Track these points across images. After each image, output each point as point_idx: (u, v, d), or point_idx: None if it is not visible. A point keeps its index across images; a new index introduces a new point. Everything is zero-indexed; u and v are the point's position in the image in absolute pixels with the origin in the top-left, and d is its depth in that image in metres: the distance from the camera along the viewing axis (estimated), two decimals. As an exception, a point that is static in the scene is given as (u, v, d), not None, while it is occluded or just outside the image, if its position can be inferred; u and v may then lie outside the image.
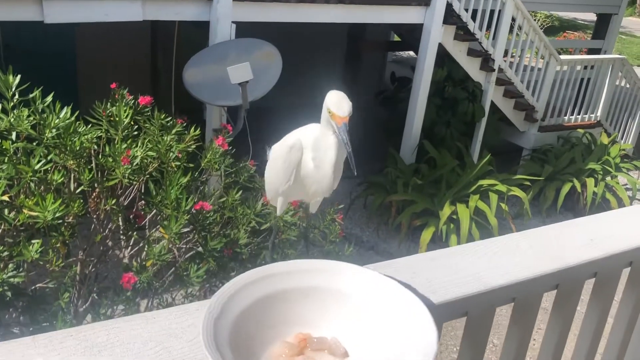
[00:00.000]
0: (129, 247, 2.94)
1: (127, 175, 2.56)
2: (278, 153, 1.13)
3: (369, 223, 5.93)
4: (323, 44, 7.27)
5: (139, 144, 2.72)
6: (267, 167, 1.15)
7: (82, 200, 2.52)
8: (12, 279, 2.26)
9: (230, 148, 3.17)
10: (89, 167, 2.60)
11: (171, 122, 2.94)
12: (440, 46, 5.76)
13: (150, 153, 2.72)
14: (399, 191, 5.59)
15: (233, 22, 4.17)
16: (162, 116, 2.93)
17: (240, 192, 3.02)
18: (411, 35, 5.97)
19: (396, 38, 8.16)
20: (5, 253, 2.27)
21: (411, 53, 11.25)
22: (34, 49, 5.47)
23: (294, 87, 7.09)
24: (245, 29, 4.34)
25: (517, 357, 1.06)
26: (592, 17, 9.78)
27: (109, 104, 2.79)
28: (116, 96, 2.85)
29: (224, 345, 0.72)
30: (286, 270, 0.86)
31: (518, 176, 6.15)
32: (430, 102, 6.04)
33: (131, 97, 2.87)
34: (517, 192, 5.74)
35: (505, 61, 6.41)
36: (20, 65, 2.47)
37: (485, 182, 5.66)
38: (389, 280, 0.85)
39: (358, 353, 0.80)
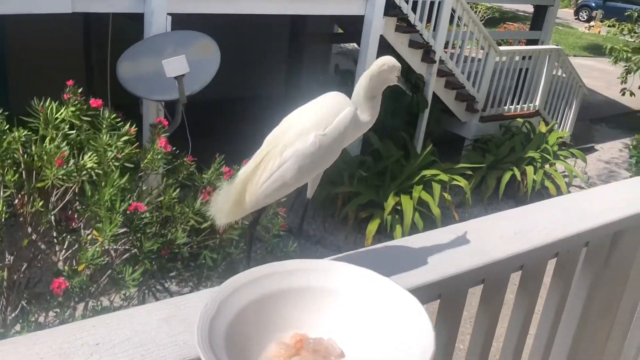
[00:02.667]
0: (63, 251, 2.82)
1: (59, 176, 2.44)
2: (334, 135, 1.00)
3: (315, 217, 5.91)
4: (265, 35, 7.19)
5: (75, 142, 2.61)
6: (309, 155, 0.99)
7: (4, 203, 2.39)
8: None
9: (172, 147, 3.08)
10: (15, 168, 2.47)
11: (118, 123, 2.83)
12: (383, 38, 5.78)
13: (93, 158, 2.61)
14: (345, 184, 5.60)
15: (168, 14, 4.05)
16: (112, 116, 2.81)
17: (178, 190, 2.93)
18: (353, 27, 5.96)
19: (340, 30, 8.16)
20: None
21: (356, 45, 11.29)
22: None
23: (236, 79, 6.99)
24: (184, 21, 4.23)
25: (443, 357, 1.05)
26: (532, 9, 10.05)
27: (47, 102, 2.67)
28: (66, 96, 2.73)
29: (219, 346, 0.71)
30: (283, 271, 0.86)
31: (460, 165, 6.26)
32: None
33: (81, 98, 2.76)
34: (459, 181, 5.84)
35: (446, 53, 6.50)
36: None
37: (428, 172, 5.73)
38: (385, 279, 0.85)
39: (354, 353, 0.80)
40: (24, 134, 2.57)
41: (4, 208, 2.36)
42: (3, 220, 2.37)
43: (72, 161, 2.41)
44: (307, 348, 0.79)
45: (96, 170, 2.59)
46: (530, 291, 1.14)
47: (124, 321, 0.72)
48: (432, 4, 6.02)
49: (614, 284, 1.33)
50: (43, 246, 2.72)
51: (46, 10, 3.59)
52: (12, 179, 2.41)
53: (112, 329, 0.71)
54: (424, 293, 0.96)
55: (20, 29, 5.42)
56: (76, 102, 2.70)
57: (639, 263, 1.37)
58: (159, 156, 2.98)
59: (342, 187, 5.59)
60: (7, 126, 2.52)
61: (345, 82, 6.30)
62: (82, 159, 2.53)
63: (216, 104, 6.67)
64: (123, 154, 2.70)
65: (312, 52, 7.54)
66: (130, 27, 4.81)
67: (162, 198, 2.93)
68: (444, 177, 5.71)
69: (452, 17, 6.35)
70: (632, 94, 7.68)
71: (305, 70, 6.96)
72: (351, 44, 11.02)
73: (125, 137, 2.83)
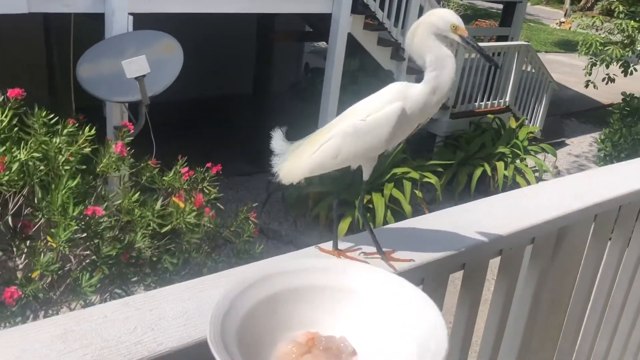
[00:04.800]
0: (22, 257, 2.74)
1: (4, 182, 2.37)
2: (372, 124, 1.01)
3: (286, 217, 5.87)
4: (232, 34, 7.12)
5: (22, 147, 2.53)
6: (346, 136, 1.05)
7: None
8: None
9: (129, 149, 3.01)
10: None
11: (63, 122, 2.76)
12: (352, 36, 5.76)
13: (35, 155, 2.53)
14: (315, 182, 5.56)
15: (130, 13, 3.97)
16: (44, 114, 2.72)
17: (138, 193, 2.87)
18: (321, 25, 5.93)
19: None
20: None
21: (326, 43, 11.25)
22: None
23: (202, 80, 6.91)
24: (146, 21, 4.15)
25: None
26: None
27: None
28: None
29: (231, 343, 0.70)
30: (295, 269, 0.86)
31: (431, 162, 6.26)
32: (347, 91, 6.03)
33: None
34: (430, 178, 5.84)
35: (415, 50, 6.49)
36: None
37: (399, 169, 5.72)
38: (398, 278, 0.85)
39: (366, 352, 0.79)
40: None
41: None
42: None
43: (15, 164, 2.33)
44: (319, 346, 0.79)
45: (43, 170, 2.51)
46: (474, 289, 1.12)
47: (14, 339, 0.67)
48: (399, 1, 6.02)
49: (562, 280, 1.32)
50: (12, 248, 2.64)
51: (1, 10, 3.49)
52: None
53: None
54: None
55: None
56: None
57: (588, 258, 1.36)
58: (115, 160, 2.91)
59: (313, 187, 5.56)
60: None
61: (313, 80, 6.27)
62: (31, 163, 2.45)
63: (182, 104, 6.59)
64: (76, 156, 2.63)
65: (283, 51, 7.49)
66: (92, 27, 4.72)
67: (120, 201, 2.86)
68: (415, 174, 5.70)
69: (420, 13, 6.36)
70: (595, 86, 7.77)
71: (275, 70, 6.91)
72: (323, 43, 11.01)
73: (82, 142, 2.77)
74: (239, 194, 6.31)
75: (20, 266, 2.73)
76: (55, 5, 3.73)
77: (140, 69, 3.40)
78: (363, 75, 6.27)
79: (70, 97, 4.88)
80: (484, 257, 1.09)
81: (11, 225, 2.60)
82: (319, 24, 6.26)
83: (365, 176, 1.15)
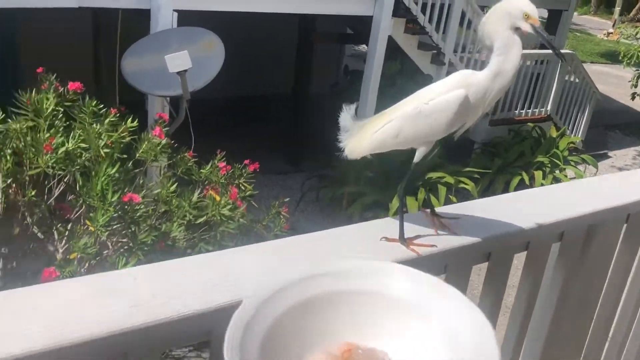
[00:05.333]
0: (63, 241, 2.84)
1: (50, 164, 2.46)
2: (433, 109, 1.07)
3: (321, 216, 5.90)
4: (274, 34, 7.20)
5: (71, 134, 2.63)
6: (407, 119, 1.11)
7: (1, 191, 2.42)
8: None
9: (171, 141, 3.10)
10: (13, 157, 2.49)
11: (105, 111, 2.86)
12: (392, 39, 5.76)
13: (81, 145, 2.63)
14: (350, 183, 5.58)
15: (175, 10, 4.07)
16: (94, 103, 2.83)
17: (176, 184, 2.94)
18: (362, 28, 5.95)
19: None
20: None
21: (366, 46, 11.26)
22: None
23: (243, 78, 7.00)
24: (190, 18, 4.25)
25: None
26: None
27: (34, 92, 2.69)
28: (45, 83, 2.75)
29: (253, 352, 0.63)
30: (333, 271, 0.77)
31: (468, 169, 6.20)
32: (384, 95, 6.04)
33: (60, 85, 2.77)
34: (466, 184, 5.79)
35: (455, 55, 6.45)
36: None
37: (434, 174, 5.69)
38: (448, 287, 0.77)
39: None
40: (25, 125, 2.60)
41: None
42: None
43: (62, 149, 2.42)
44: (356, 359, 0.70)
45: (85, 157, 2.60)
46: (498, 283, 1.12)
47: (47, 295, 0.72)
48: (442, 6, 5.99)
49: (591, 281, 1.30)
50: (41, 235, 2.74)
51: (53, 4, 3.63)
52: (5, 167, 2.43)
53: None
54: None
55: (31, 25, 5.49)
56: (54, 90, 2.69)
57: (619, 259, 1.34)
58: (158, 147, 2.99)
59: (347, 187, 5.58)
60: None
61: (352, 82, 6.28)
62: (76, 150, 2.54)
63: (222, 102, 6.69)
64: (116, 144, 2.72)
65: (323, 53, 7.54)
66: (138, 23, 4.85)
67: (158, 191, 2.94)
68: (450, 179, 5.66)
69: (462, 19, 6.31)
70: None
71: (315, 71, 6.95)
72: (363, 46, 11.02)
73: (123, 130, 2.86)
74: (274, 191, 6.37)
75: (60, 249, 2.83)
76: (104, 1, 3.85)
77: (182, 63, 3.48)
78: (402, 79, 6.25)
79: (114, 91, 5.02)
80: (510, 249, 1.09)
81: (52, 209, 2.70)
82: (360, 27, 6.29)
83: (416, 158, 1.18)
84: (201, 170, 3.13)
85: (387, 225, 1.09)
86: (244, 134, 6.85)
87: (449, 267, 1.02)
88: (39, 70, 2.83)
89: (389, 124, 1.14)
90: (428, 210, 1.16)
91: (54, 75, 2.83)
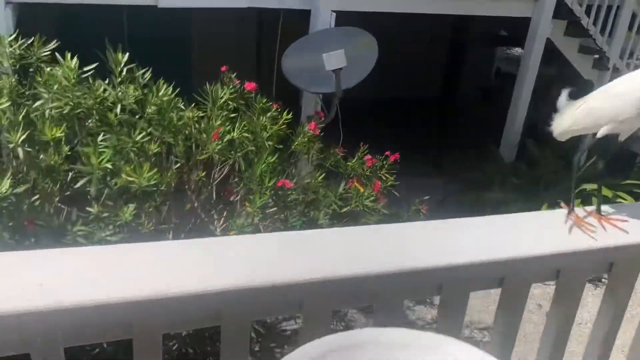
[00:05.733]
0: (221, 220, 3.13)
1: (217, 150, 2.73)
2: (630, 88, 1.17)
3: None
4: (426, 36, 7.19)
5: (237, 124, 2.90)
6: (595, 100, 1.23)
7: (175, 171, 2.73)
8: (109, 238, 2.49)
9: (320, 133, 3.29)
10: (185, 141, 2.80)
11: (269, 106, 3.12)
12: (549, 41, 5.52)
13: (245, 134, 2.89)
14: (495, 189, 5.44)
15: (333, 11, 4.26)
16: (264, 101, 3.10)
17: (323, 175, 3.12)
18: (518, 29, 5.77)
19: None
20: (105, 214, 2.50)
21: (521, 49, 10.81)
22: (154, 36, 5.89)
23: (393, 79, 7.08)
24: (346, 18, 4.42)
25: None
26: None
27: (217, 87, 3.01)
28: (225, 80, 3.06)
29: None
30: (383, 341, 0.69)
31: (628, 181, 5.76)
32: (538, 98, 5.81)
33: (238, 82, 3.07)
34: (624, 198, 5.39)
35: (621, 61, 6.01)
36: (142, 51, 2.68)
37: (589, 186, 5.36)
38: None
39: None
40: (197, 114, 2.91)
41: (174, 176, 2.69)
42: (172, 186, 2.71)
43: (227, 137, 2.67)
44: None
45: (250, 148, 2.86)
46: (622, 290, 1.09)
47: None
48: (609, 7, 5.62)
49: None
50: (203, 215, 3.04)
51: (224, 5, 3.98)
52: (181, 151, 2.74)
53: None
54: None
55: (204, 23, 6.02)
56: (232, 86, 2.98)
57: None
58: (308, 139, 3.20)
59: (491, 193, 5.45)
60: (182, 104, 2.87)
61: (504, 86, 6.11)
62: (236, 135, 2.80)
63: (369, 102, 6.83)
64: (272, 133, 2.95)
65: (474, 55, 7.41)
66: (297, 23, 5.13)
67: (308, 181, 3.14)
68: (607, 192, 5.30)
69: (632, 22, 5.87)
70: None
71: (465, 74, 6.86)
72: (515, 48, 10.61)
73: (281, 123, 3.09)
74: (413, 192, 6.38)
75: (219, 227, 3.12)
76: (271, 1, 4.15)
77: (338, 62, 3.65)
78: (558, 84, 5.96)
79: (272, 88, 5.36)
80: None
81: (217, 190, 2.99)
82: (516, 28, 6.10)
83: (621, 139, 1.25)
84: (348, 163, 3.28)
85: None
86: (387, 134, 6.93)
87: (615, 265, 1.02)
88: (223, 69, 3.14)
89: (584, 105, 1.24)
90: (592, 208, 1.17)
91: (234, 74, 3.13)
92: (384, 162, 3.26)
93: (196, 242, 1.06)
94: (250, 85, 3.10)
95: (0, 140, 2.58)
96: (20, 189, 2.14)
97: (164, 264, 0.94)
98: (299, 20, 5.16)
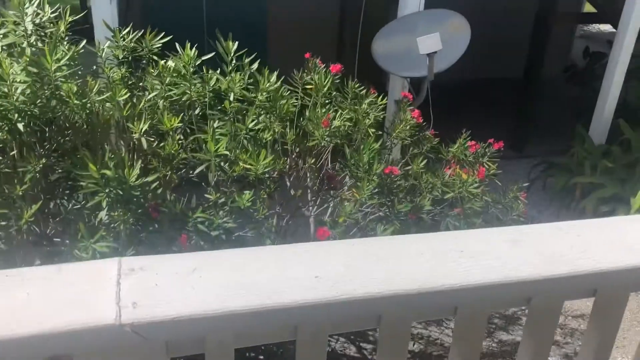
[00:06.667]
0: (316, 207, 3.17)
1: (324, 137, 2.76)
2: None
3: (548, 205, 5.66)
4: (511, 15, 6.99)
5: (338, 111, 2.92)
6: None
7: (285, 158, 2.78)
8: (225, 224, 2.56)
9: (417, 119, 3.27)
10: (294, 129, 2.84)
11: (364, 92, 3.12)
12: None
13: (347, 123, 2.91)
14: (586, 173, 5.26)
15: (423, -7, 4.20)
16: (356, 85, 3.11)
17: (425, 161, 3.11)
18: (609, 6, 5.51)
19: (588, 9, 7.57)
20: (222, 200, 2.58)
21: (601, 27, 10.32)
22: (231, 19, 5.97)
23: (476, 60, 6.92)
24: (435, 0, 4.34)
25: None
26: None
27: (304, 73, 3.03)
28: (310, 65, 3.07)
29: None
30: None
31: None
32: (633, 79, 5.55)
33: (323, 66, 3.07)
34: None
35: None
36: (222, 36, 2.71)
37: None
38: None
39: None
40: (299, 103, 2.95)
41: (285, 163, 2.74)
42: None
43: (334, 123, 2.69)
44: None
45: (355, 135, 2.88)
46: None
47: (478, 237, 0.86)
48: None
49: None
50: (310, 197, 3.08)
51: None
52: (291, 138, 2.79)
53: (469, 243, 0.85)
54: None
55: (280, 6, 6.05)
56: (318, 71, 2.98)
57: None
58: (408, 127, 3.19)
59: (582, 177, 5.27)
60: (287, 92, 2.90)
61: (592, 65, 5.86)
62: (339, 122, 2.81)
63: (452, 83, 6.70)
64: (373, 119, 2.96)
65: (556, 34, 7.14)
66: (380, 7, 5.08)
67: (409, 167, 3.13)
68: None
69: None
70: None
71: (547, 54, 6.62)
72: (597, 26, 10.14)
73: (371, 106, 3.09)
74: (499, 177, 6.26)
75: (313, 213, 3.16)
76: (360, -15, 4.12)
77: (433, 45, 3.60)
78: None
79: (353, 71, 5.34)
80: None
81: (322, 176, 3.02)
82: (606, 5, 5.82)
83: None
84: (449, 149, 3.25)
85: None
86: (470, 116, 6.78)
87: None
88: (307, 55, 3.16)
89: None
90: None
91: (318, 58, 3.14)
92: (486, 150, 3.21)
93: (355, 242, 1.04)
94: (335, 68, 3.10)
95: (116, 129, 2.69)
96: (150, 177, 2.22)
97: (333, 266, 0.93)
98: (383, 5, 5.11)
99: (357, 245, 0.96)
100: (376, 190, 2.80)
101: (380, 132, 3.18)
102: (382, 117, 3.19)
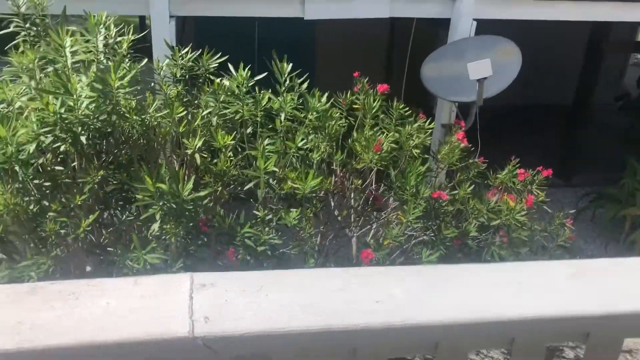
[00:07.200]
0: (358, 227, 3.18)
1: (374, 160, 2.78)
2: None
3: (596, 237, 5.52)
4: (562, 43, 6.88)
5: (385, 133, 2.94)
6: None
7: (331, 178, 2.81)
8: (271, 240, 2.60)
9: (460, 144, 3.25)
10: (340, 149, 2.87)
11: (410, 114, 3.13)
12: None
13: (392, 145, 2.92)
14: (637, 205, 5.12)
15: (474, 19, 4.20)
16: (401, 106, 3.12)
17: (473, 186, 3.09)
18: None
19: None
20: (269, 217, 2.62)
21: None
22: (281, 41, 6.08)
23: (526, 86, 6.84)
24: (486, 26, 4.33)
25: None
26: None
27: (349, 93, 3.07)
28: (357, 84, 3.11)
29: None
30: None
31: None
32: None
33: (370, 87, 3.10)
34: None
35: None
36: (268, 56, 2.78)
37: None
38: None
39: None
40: (345, 123, 2.98)
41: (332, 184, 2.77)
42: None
43: (388, 146, 2.71)
44: None
45: (402, 158, 2.89)
46: None
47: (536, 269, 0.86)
48: None
49: None
50: (353, 217, 3.09)
51: (368, 15, 4.03)
52: (338, 159, 2.81)
53: (528, 276, 0.86)
54: None
55: (329, 27, 6.12)
56: (365, 92, 3.01)
57: None
58: (455, 150, 3.18)
59: (632, 209, 5.13)
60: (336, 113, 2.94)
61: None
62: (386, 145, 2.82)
63: (504, 109, 6.63)
64: (419, 142, 2.96)
65: (607, 63, 7.01)
66: (429, 31, 5.09)
67: (455, 192, 3.11)
68: None
69: None
70: None
71: (599, 82, 6.51)
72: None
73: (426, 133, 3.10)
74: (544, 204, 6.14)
75: (355, 234, 3.16)
76: (412, 11, 4.15)
77: (483, 71, 3.59)
78: None
79: (400, 94, 5.36)
80: None
81: (367, 198, 3.04)
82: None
83: None
84: (497, 175, 3.22)
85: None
86: (518, 142, 6.72)
87: None
88: (355, 74, 3.20)
89: None
90: None
91: (366, 79, 3.18)
92: (535, 177, 3.17)
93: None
94: (382, 88, 3.12)
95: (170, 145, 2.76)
96: (202, 192, 2.28)
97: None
98: (432, 29, 5.13)
99: (416, 273, 0.97)
100: (422, 213, 2.80)
101: (426, 156, 3.18)
102: (428, 141, 3.19)
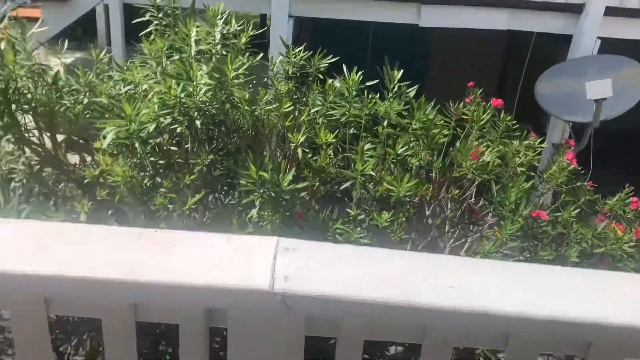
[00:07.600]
0: (452, 239, 3.14)
1: (471, 170, 2.74)
2: None
3: None
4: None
5: (490, 146, 2.89)
6: None
7: (428, 185, 2.80)
8: (361, 239, 2.64)
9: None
10: (442, 158, 2.86)
11: (518, 128, 3.05)
12: None
13: (497, 159, 2.87)
14: None
15: (599, 37, 4.01)
16: (508, 118, 3.05)
17: (578, 210, 2.95)
18: None
19: None
20: (361, 217, 2.66)
21: None
22: (395, 48, 6.11)
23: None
24: (611, 45, 4.13)
25: None
26: None
27: (461, 104, 3.04)
28: (470, 96, 3.07)
29: None
30: None
31: None
32: None
33: (481, 100, 3.05)
34: None
35: None
36: (380, 61, 2.81)
37: None
38: None
39: None
40: (449, 132, 2.96)
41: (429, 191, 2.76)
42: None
43: (482, 158, 2.67)
44: None
45: (500, 169, 2.82)
46: None
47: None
48: None
49: None
50: (447, 229, 3.07)
51: (485, 26, 3.98)
52: (438, 167, 2.80)
53: (613, 284, 0.84)
54: None
55: (445, 37, 6.07)
56: (477, 103, 2.96)
57: None
58: (563, 171, 3.06)
59: None
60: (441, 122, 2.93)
61: None
62: (489, 157, 2.77)
63: (621, 133, 6.27)
64: (526, 159, 2.87)
65: None
66: (547, 46, 4.91)
67: (559, 214, 2.99)
68: None
69: None
70: None
71: None
72: None
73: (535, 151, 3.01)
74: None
75: (449, 246, 3.12)
76: (532, 25, 4.04)
77: (603, 92, 3.43)
78: None
79: (512, 108, 5.22)
80: None
81: (464, 209, 3.00)
82: None
83: None
84: (607, 201, 3.06)
85: None
86: (632, 168, 6.31)
87: None
88: (470, 84, 3.16)
89: None
90: None
91: (480, 91, 3.13)
92: (650, 207, 2.97)
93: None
94: (496, 102, 3.06)
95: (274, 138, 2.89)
96: (301, 185, 2.36)
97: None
98: (551, 44, 4.95)
99: (497, 266, 0.98)
100: (519, 232, 2.72)
101: (532, 174, 3.08)
102: (537, 160, 3.10)
